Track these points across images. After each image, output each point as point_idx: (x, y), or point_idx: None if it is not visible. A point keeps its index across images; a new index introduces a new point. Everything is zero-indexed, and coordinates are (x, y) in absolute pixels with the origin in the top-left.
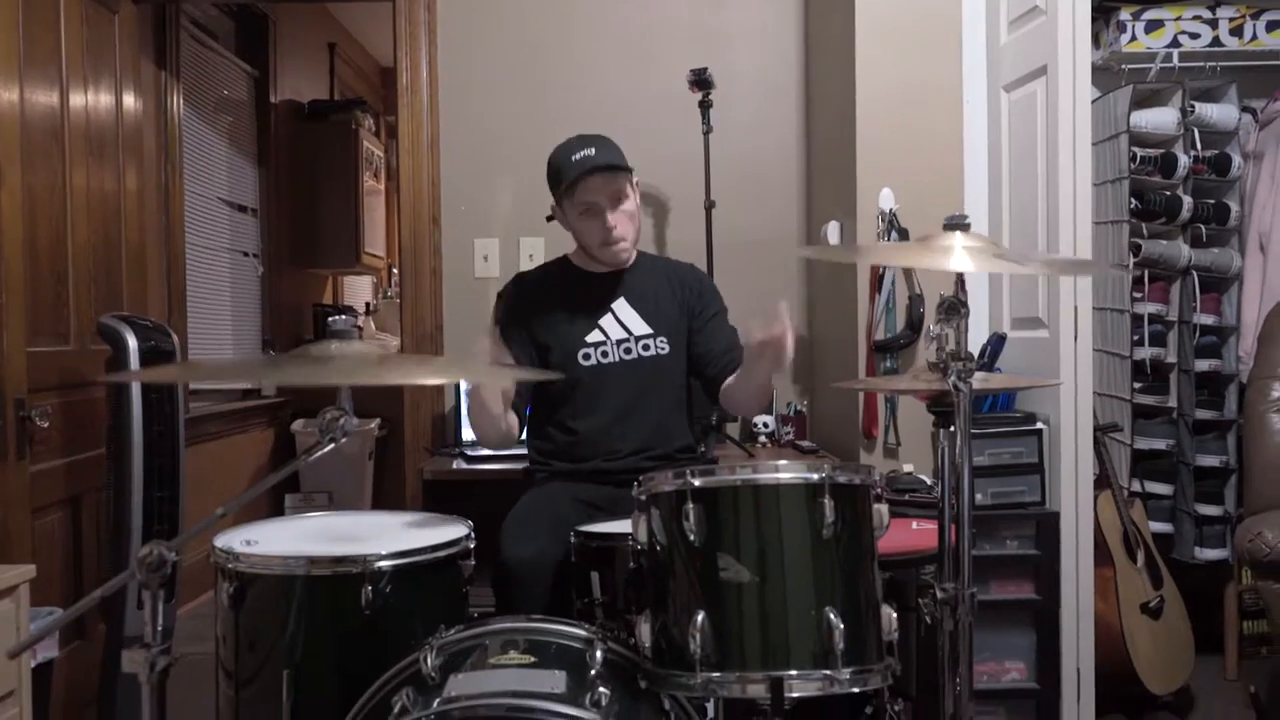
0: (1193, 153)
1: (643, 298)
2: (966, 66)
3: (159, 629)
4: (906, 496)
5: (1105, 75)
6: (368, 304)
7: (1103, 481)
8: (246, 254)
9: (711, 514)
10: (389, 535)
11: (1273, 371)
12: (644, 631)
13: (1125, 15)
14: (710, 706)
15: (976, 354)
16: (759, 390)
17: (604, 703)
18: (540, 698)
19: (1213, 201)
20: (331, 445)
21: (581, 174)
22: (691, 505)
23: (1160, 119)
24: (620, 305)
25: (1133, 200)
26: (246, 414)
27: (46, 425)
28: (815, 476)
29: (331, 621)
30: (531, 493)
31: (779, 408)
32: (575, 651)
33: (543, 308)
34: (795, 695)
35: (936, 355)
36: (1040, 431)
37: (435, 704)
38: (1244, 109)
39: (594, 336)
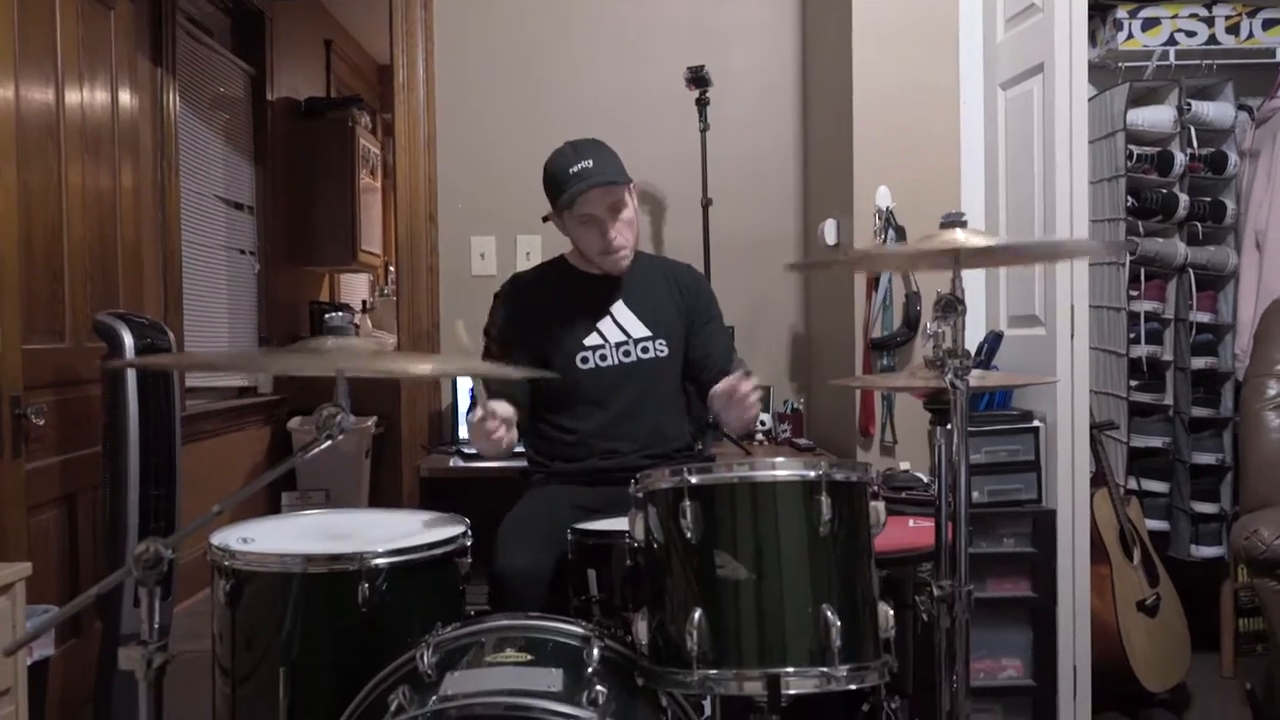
0: (1189, 151)
1: (641, 300)
2: (963, 64)
3: (155, 626)
4: (903, 494)
5: (1102, 73)
6: (364, 302)
7: (1099, 479)
8: (243, 251)
9: (708, 511)
10: (386, 533)
11: (1269, 369)
12: (641, 629)
13: (1122, 13)
14: (707, 704)
15: (973, 352)
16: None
17: (601, 701)
18: (537, 696)
19: (1209, 199)
20: (328, 442)
21: (581, 189)
22: (688, 503)
23: (1157, 117)
24: (619, 308)
25: (1129, 198)
26: (243, 412)
27: (42, 423)
28: (812, 474)
29: (328, 619)
30: (529, 497)
31: (776, 405)
32: (572, 649)
33: (540, 310)
34: (792, 692)
35: (933, 353)
36: (1037, 429)
37: (432, 702)
38: (1240, 107)
39: (592, 340)
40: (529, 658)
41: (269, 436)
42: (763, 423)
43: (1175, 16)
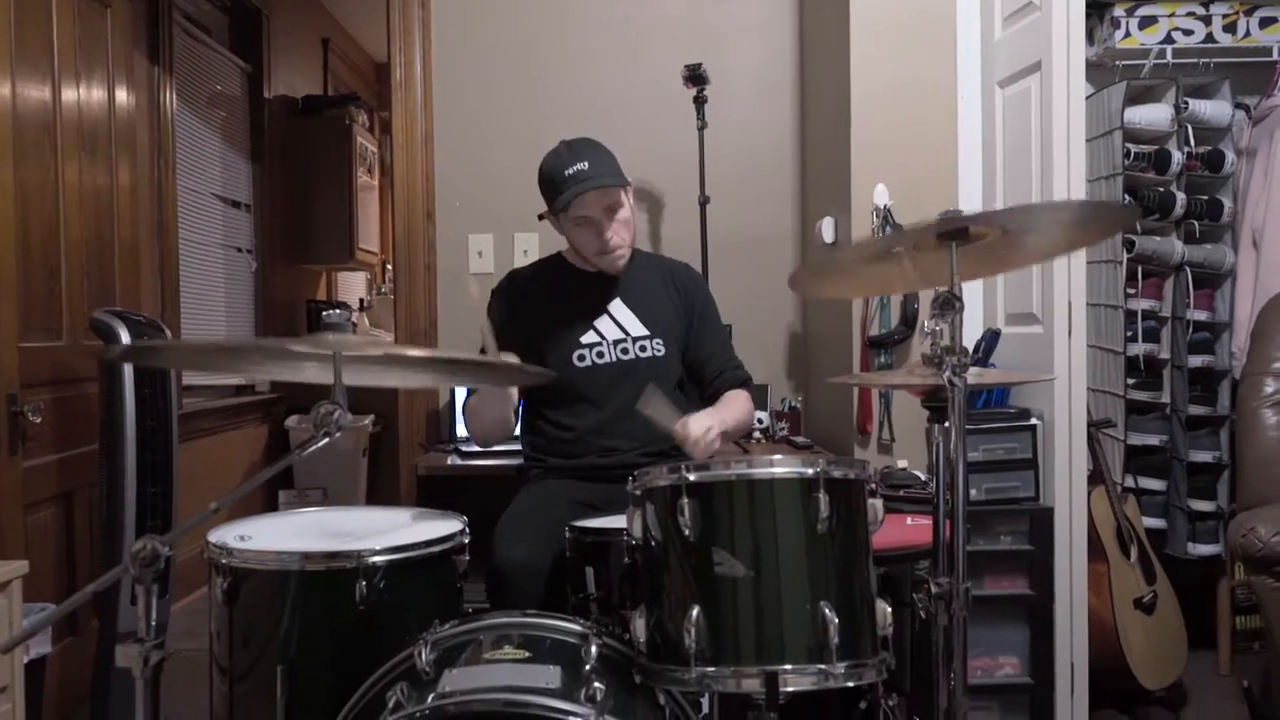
0: (1186, 149)
1: (639, 299)
2: (961, 62)
3: (152, 624)
4: (901, 492)
5: (1099, 71)
6: (362, 300)
7: (1096, 477)
8: (240, 249)
9: (706, 509)
10: (383, 530)
11: (1266, 367)
12: (639, 626)
13: (1119, 11)
14: (705, 701)
15: (971, 349)
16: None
17: (599, 698)
18: (535, 693)
19: (1206, 198)
20: (326, 440)
21: (577, 192)
22: (686, 500)
23: (1154, 115)
24: (616, 306)
25: (1126, 196)
26: (240, 410)
27: (39, 421)
28: (810, 471)
29: (326, 617)
30: (526, 492)
31: (774, 404)
32: (570, 646)
33: (537, 308)
34: (790, 690)
35: (931, 350)
36: (1034, 427)
37: (430, 699)
38: (1237, 105)
39: (589, 338)
40: (527, 655)
41: (266, 435)
42: (760, 420)
43: (1172, 15)
